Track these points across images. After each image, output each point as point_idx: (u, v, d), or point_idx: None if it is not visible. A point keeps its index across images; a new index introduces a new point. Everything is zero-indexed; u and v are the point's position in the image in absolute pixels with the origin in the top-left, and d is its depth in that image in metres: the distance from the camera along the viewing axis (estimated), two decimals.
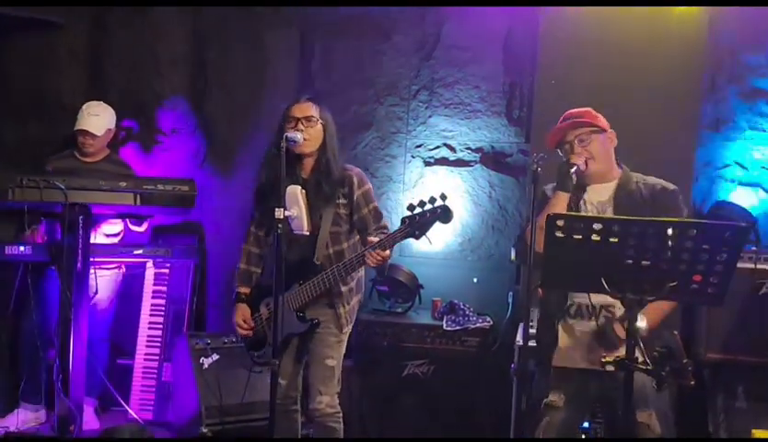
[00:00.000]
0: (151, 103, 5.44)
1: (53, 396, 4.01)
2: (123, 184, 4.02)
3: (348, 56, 5.17)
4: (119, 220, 4.66)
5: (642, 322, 2.62)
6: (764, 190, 4.50)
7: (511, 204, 4.97)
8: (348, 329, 3.63)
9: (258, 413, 4.12)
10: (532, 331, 3.49)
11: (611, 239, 2.49)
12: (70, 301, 3.86)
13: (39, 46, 5.43)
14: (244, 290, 3.71)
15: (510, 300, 4.53)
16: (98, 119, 4.67)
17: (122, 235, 4.73)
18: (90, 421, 4.46)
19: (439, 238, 4.98)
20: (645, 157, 3.52)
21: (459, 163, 5.03)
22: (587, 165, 3.09)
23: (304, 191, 3.45)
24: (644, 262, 2.52)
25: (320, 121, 3.54)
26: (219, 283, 5.16)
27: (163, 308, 4.90)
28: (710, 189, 4.57)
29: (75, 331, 3.87)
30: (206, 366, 4.27)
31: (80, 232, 3.92)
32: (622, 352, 2.66)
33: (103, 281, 4.57)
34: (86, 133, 4.63)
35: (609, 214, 3.06)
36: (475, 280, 4.91)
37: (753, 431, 3.06)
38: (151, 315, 4.89)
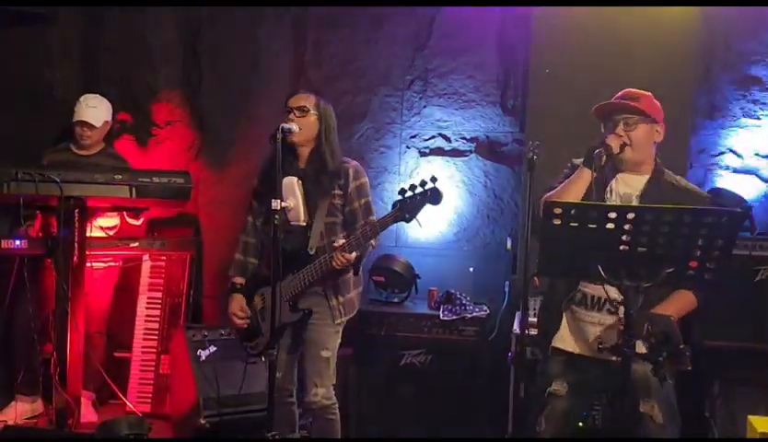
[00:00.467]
0: (145, 96, 5.44)
1: (51, 389, 4.02)
2: (119, 177, 4.03)
3: (341, 47, 5.16)
4: (115, 213, 4.66)
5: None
6: (759, 177, 4.51)
7: (506, 194, 4.98)
8: (342, 320, 3.61)
9: (256, 404, 4.12)
10: (532, 319, 3.50)
11: (608, 227, 2.48)
12: (67, 294, 3.87)
13: (32, 40, 5.41)
14: (239, 280, 3.70)
15: (507, 289, 4.54)
16: (96, 110, 4.68)
17: (117, 228, 4.73)
18: (88, 414, 4.45)
19: (435, 228, 4.99)
20: None
21: (455, 153, 5.03)
22: (622, 149, 2.97)
23: (300, 181, 3.45)
24: (640, 249, 2.51)
25: (315, 112, 3.54)
26: (215, 275, 5.15)
27: (160, 301, 4.90)
28: (705, 176, 4.57)
29: (71, 325, 3.87)
30: (203, 357, 4.27)
31: (76, 225, 3.93)
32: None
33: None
34: (84, 124, 4.64)
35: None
36: (471, 269, 4.91)
37: (749, 417, 3.07)
38: (148, 307, 4.90)
